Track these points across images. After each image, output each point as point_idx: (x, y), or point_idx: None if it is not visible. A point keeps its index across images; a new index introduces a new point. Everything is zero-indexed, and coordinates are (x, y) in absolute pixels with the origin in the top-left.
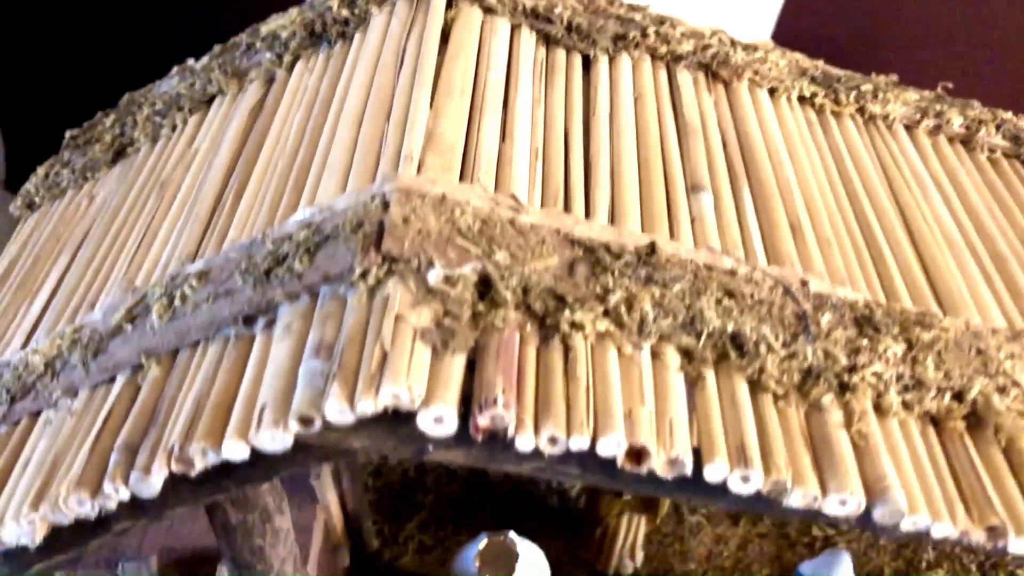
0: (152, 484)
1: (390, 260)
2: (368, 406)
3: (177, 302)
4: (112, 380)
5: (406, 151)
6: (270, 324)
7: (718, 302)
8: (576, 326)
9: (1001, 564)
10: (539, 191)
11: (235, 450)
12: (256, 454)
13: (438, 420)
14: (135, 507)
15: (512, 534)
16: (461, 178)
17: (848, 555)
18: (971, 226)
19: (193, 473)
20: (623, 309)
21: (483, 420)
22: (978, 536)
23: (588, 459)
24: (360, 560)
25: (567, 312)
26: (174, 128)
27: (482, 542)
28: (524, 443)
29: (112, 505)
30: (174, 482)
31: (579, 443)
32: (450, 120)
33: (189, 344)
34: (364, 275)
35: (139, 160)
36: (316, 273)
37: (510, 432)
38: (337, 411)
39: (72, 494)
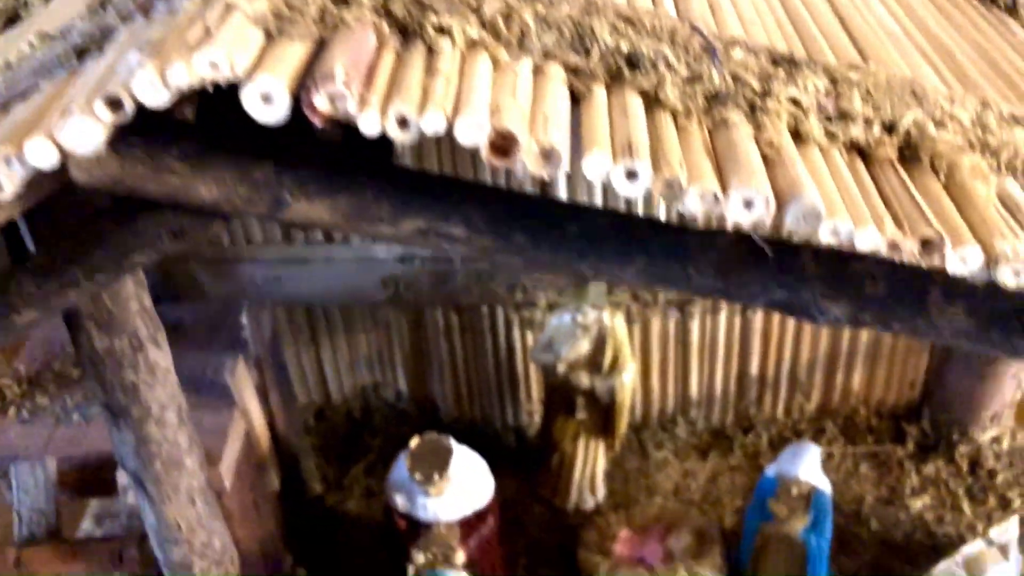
0: None
1: None
2: (181, 74)
3: (13, 60)
4: None
5: None
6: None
7: (613, 27)
8: (443, 31)
9: (991, 487)
10: None
11: (39, 151)
12: (91, 220)
13: (266, 98)
14: None
15: (450, 438)
16: None
17: (815, 446)
18: (915, 28)
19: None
20: (500, 20)
21: (319, 99)
22: (910, 247)
23: (473, 212)
24: (302, 505)
25: (433, 16)
26: None
27: (413, 442)
28: (368, 123)
29: None
30: (18, 277)
31: (433, 122)
32: None
33: (20, 93)
34: None
35: (31, 18)
36: None
37: (351, 111)
38: (148, 85)
39: None
